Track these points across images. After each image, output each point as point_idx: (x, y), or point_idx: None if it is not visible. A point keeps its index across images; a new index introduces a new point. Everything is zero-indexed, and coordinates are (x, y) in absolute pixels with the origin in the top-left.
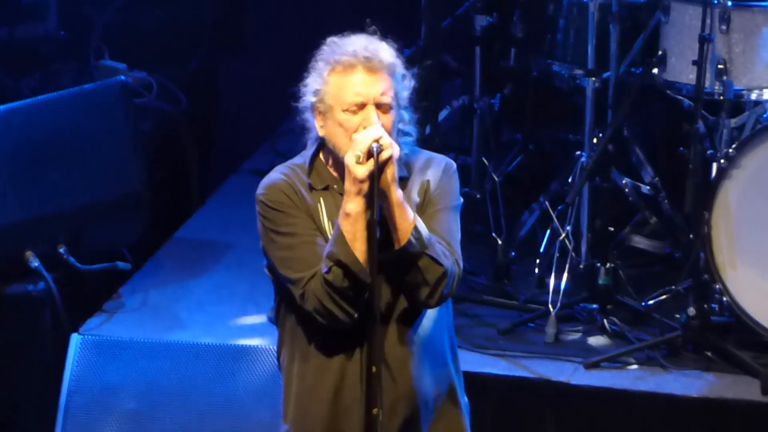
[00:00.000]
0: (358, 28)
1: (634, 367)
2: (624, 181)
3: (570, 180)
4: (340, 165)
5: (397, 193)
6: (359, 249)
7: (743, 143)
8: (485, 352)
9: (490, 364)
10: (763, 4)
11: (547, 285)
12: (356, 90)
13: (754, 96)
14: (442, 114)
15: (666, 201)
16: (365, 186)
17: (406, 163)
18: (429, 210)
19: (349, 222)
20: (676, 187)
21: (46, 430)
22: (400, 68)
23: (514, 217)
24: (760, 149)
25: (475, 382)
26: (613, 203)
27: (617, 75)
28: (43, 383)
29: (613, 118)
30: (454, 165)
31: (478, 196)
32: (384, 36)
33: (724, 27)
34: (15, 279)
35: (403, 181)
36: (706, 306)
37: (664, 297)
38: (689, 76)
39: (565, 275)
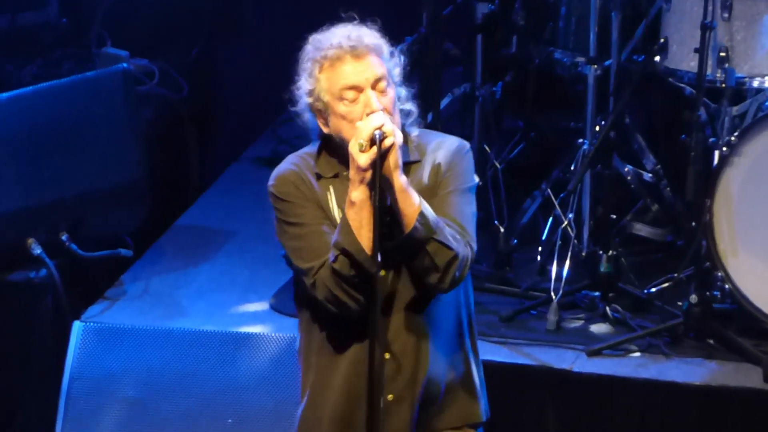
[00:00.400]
0: (358, 15)
1: (636, 354)
2: (626, 169)
3: (572, 167)
4: (347, 153)
5: (400, 179)
6: (366, 236)
7: (745, 131)
8: (487, 339)
9: (492, 351)
10: None
11: (549, 272)
12: (349, 79)
13: (755, 83)
14: (444, 102)
15: (668, 188)
16: (368, 174)
17: (417, 146)
18: (441, 192)
19: (354, 210)
20: (677, 174)
21: (47, 417)
22: (386, 47)
23: (515, 204)
24: (762, 137)
25: None
26: (615, 191)
27: (619, 62)
28: (45, 370)
29: (614, 106)
30: (468, 146)
31: (480, 183)
32: (378, 22)
33: (725, 14)
34: (17, 266)
35: (415, 165)
36: (707, 293)
37: (665, 284)
38: (691, 64)
39: (567, 262)
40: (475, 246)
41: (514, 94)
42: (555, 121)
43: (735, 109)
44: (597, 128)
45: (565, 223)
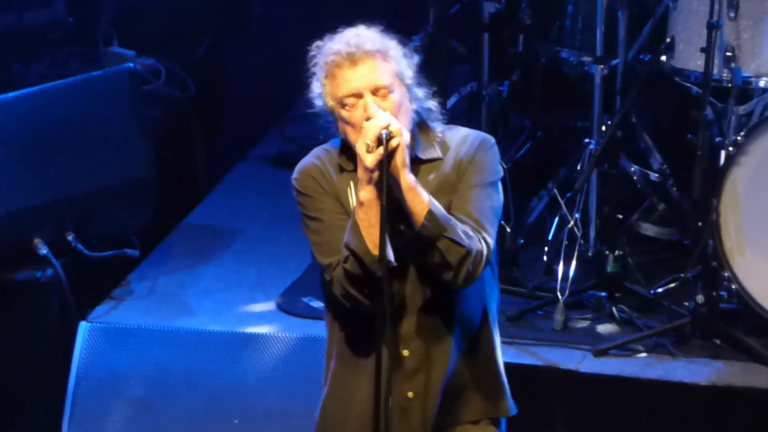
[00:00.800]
0: (364, 13)
1: (643, 354)
2: (632, 168)
3: (578, 167)
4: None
5: (408, 178)
6: (375, 235)
7: (751, 130)
8: (498, 335)
9: None
10: None
11: (556, 272)
12: (347, 86)
13: (762, 83)
14: (451, 101)
15: (674, 188)
16: (376, 174)
17: (441, 142)
18: (461, 188)
19: (363, 210)
20: (684, 173)
21: (54, 417)
22: (394, 50)
23: (522, 203)
24: None
25: None
26: (622, 190)
27: (625, 62)
28: (51, 370)
29: (621, 105)
30: (492, 140)
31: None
32: (384, 23)
33: (732, 13)
34: (23, 266)
35: (437, 162)
36: (714, 293)
37: (672, 284)
38: (697, 63)
39: (574, 262)
40: (491, 241)
41: (521, 93)
42: (562, 120)
43: (741, 109)
44: (603, 127)
45: (572, 222)
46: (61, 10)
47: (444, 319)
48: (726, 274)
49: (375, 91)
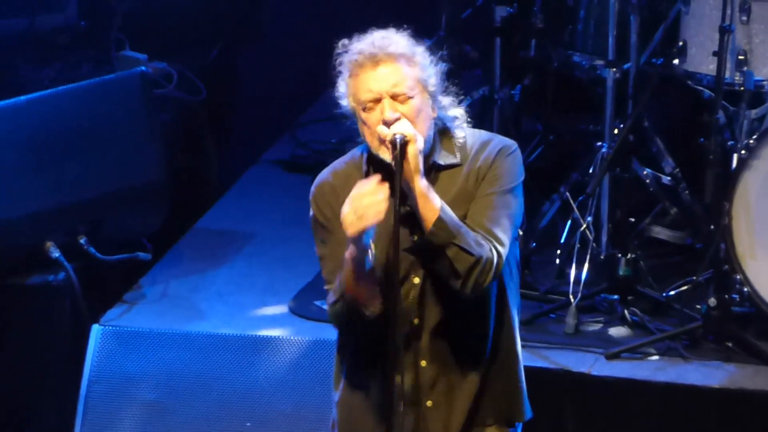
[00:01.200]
0: (376, 18)
1: (655, 357)
2: (644, 172)
3: (590, 170)
4: (379, 161)
5: (420, 184)
6: (361, 290)
7: (764, 134)
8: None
9: None
10: None
11: (568, 275)
12: (368, 87)
13: None
14: (463, 105)
15: (686, 191)
16: (361, 235)
17: (461, 148)
18: (479, 196)
19: (348, 262)
20: (696, 177)
21: (66, 421)
22: (420, 56)
23: (534, 207)
24: None
25: None
26: (634, 194)
27: (637, 65)
28: (64, 373)
29: (633, 109)
30: (513, 146)
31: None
32: (401, 26)
33: (744, 17)
34: (35, 269)
35: (456, 169)
36: (726, 296)
37: (684, 287)
38: (709, 67)
39: (586, 266)
40: (503, 250)
41: (533, 97)
42: (574, 124)
43: (754, 112)
44: (616, 131)
45: (584, 226)
46: (73, 14)
47: (462, 326)
48: (738, 278)
49: (394, 95)
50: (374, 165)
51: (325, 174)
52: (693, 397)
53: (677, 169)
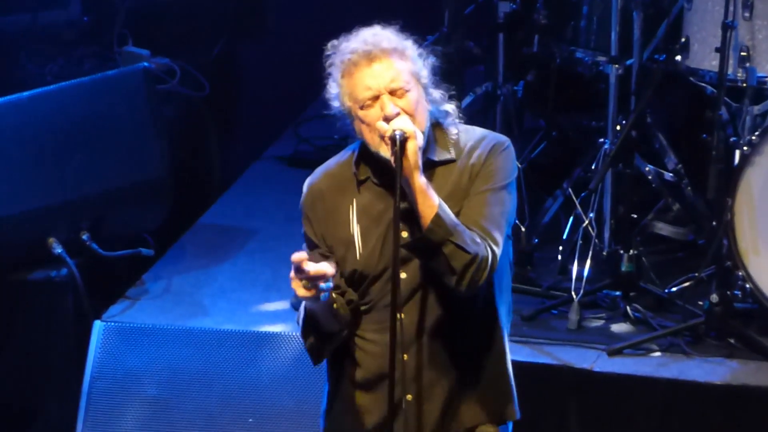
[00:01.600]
0: (379, 14)
1: (657, 353)
2: (647, 168)
3: (593, 166)
4: (375, 159)
5: (419, 180)
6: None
7: (766, 130)
8: (508, 338)
9: (513, 350)
10: None
11: (570, 272)
12: (365, 84)
13: None
14: (466, 101)
15: (689, 187)
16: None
17: (455, 144)
18: (472, 193)
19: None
20: (699, 173)
21: (68, 416)
22: (411, 49)
23: (537, 203)
24: None
25: None
26: (636, 190)
27: (640, 62)
28: (66, 369)
29: (636, 105)
30: (506, 142)
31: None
32: (401, 23)
33: (747, 13)
34: (38, 265)
35: (450, 165)
36: (729, 292)
37: (687, 284)
38: (712, 63)
39: (588, 262)
40: (498, 249)
41: (536, 93)
42: (576, 120)
43: (756, 108)
44: (618, 127)
45: (587, 222)
46: (76, 10)
47: (449, 322)
48: (740, 274)
49: (392, 90)
50: (365, 164)
51: (317, 174)
52: (695, 394)
53: (680, 166)
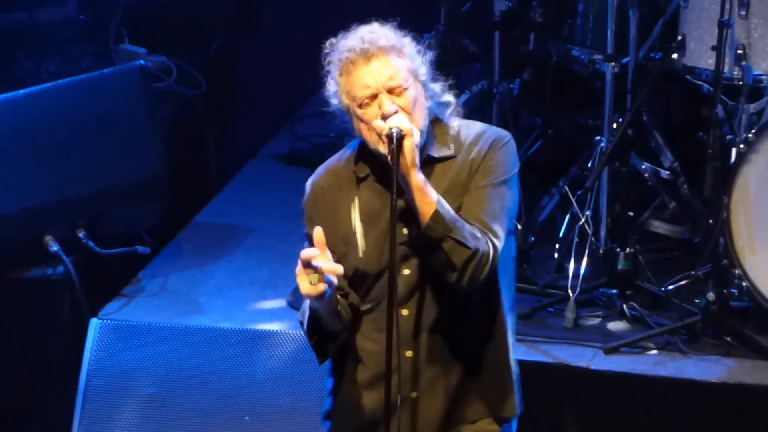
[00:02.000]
0: (375, 11)
1: (654, 352)
2: (643, 166)
3: (589, 165)
4: (374, 157)
5: (417, 177)
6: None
7: (762, 128)
8: (513, 334)
9: None
10: None
11: (567, 270)
12: (363, 83)
13: None
14: (462, 99)
15: (685, 186)
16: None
17: (455, 139)
18: (472, 188)
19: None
20: (695, 171)
21: (65, 414)
22: (409, 46)
23: (533, 201)
24: None
25: None
26: (633, 188)
27: (636, 60)
28: (62, 367)
29: (632, 103)
30: (506, 137)
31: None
32: (398, 20)
33: (743, 12)
34: (34, 263)
35: (449, 161)
36: (725, 291)
37: (683, 282)
38: (708, 61)
39: (585, 260)
40: (498, 243)
41: (532, 91)
42: (573, 118)
43: (752, 107)
44: (614, 125)
45: (583, 220)
46: (72, 8)
47: (451, 318)
48: (737, 272)
49: (390, 89)
50: (364, 161)
51: (318, 173)
52: (691, 392)
53: (676, 164)
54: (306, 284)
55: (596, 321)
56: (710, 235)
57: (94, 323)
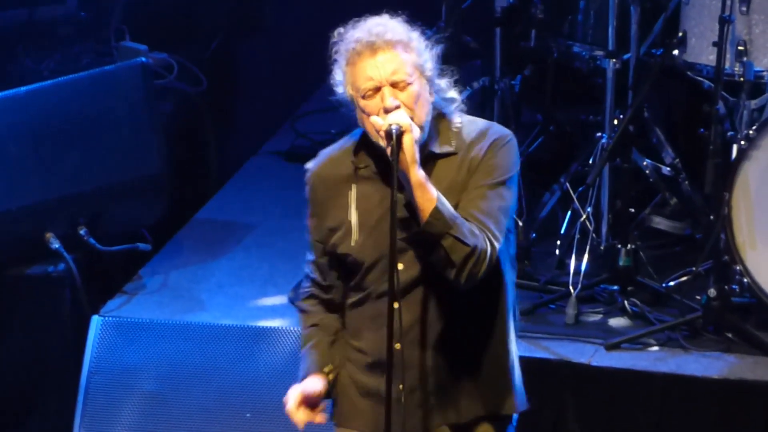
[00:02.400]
0: (376, 8)
1: (655, 348)
2: (644, 162)
3: (590, 161)
4: (375, 148)
5: (417, 174)
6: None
7: (763, 124)
8: (515, 333)
9: None
10: None
11: (568, 266)
12: (367, 75)
13: None
14: (463, 95)
15: (686, 182)
16: None
17: (457, 135)
18: (471, 187)
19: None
20: (696, 168)
21: (66, 411)
22: (416, 41)
23: (534, 198)
24: None
25: None
26: (634, 184)
27: (637, 56)
28: (64, 364)
29: (633, 99)
30: (508, 135)
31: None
32: (401, 15)
33: (744, 8)
34: (35, 260)
35: (451, 158)
36: (726, 287)
37: (684, 278)
38: (709, 57)
39: (586, 256)
40: (497, 242)
41: (533, 87)
42: (574, 114)
43: (754, 103)
44: (616, 122)
45: (584, 216)
46: (72, 5)
47: (443, 314)
48: (738, 268)
49: (394, 83)
50: (366, 152)
51: (320, 158)
52: (693, 388)
53: (677, 160)
54: (301, 418)
55: (597, 317)
56: (711, 231)
57: (95, 320)
